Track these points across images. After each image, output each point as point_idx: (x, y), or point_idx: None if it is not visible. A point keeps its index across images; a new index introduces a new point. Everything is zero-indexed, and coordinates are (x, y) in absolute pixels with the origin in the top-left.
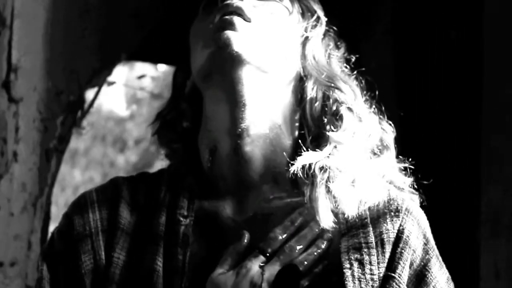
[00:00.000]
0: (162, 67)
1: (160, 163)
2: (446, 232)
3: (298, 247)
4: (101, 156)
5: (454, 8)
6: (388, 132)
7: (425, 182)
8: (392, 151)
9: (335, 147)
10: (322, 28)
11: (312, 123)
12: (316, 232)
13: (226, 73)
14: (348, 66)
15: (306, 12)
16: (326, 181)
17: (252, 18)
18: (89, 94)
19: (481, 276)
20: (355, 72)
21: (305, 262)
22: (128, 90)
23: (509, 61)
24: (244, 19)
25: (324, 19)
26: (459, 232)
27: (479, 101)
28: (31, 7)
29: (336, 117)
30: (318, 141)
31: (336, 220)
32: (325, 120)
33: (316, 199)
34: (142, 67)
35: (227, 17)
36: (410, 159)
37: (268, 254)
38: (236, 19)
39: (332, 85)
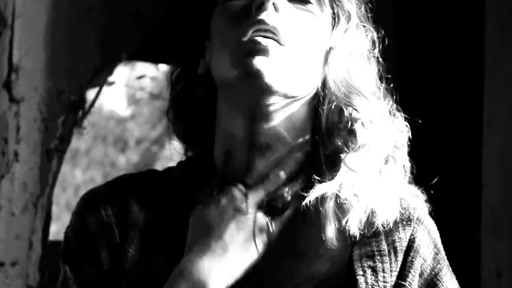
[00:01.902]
0: (163, 67)
1: (161, 163)
2: (446, 232)
3: (281, 173)
4: (102, 156)
5: (455, 8)
6: (403, 132)
7: (427, 184)
8: (404, 154)
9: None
10: (351, 31)
11: (327, 139)
12: (299, 160)
13: (252, 98)
14: (373, 56)
15: (341, 14)
16: (336, 204)
17: (287, 40)
18: (90, 94)
19: (482, 276)
20: (376, 66)
21: (289, 191)
22: (129, 90)
23: (509, 62)
24: (279, 43)
25: (355, 19)
26: (460, 232)
27: (480, 101)
28: (32, 7)
29: (350, 135)
30: (332, 159)
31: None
32: (340, 139)
33: (324, 216)
34: (143, 67)
35: (260, 39)
36: (411, 160)
37: (248, 184)
38: (270, 44)
39: (348, 103)
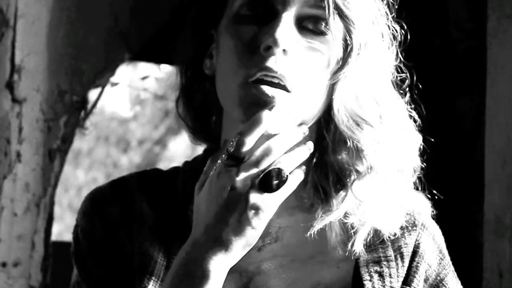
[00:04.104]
0: (166, 68)
1: (163, 164)
2: (448, 232)
3: (276, 147)
4: (104, 157)
5: (457, 9)
6: (414, 138)
7: (429, 185)
8: (412, 163)
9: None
10: (363, 56)
11: (333, 158)
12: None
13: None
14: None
15: (354, 41)
16: (341, 222)
17: (294, 86)
18: (93, 94)
19: (484, 276)
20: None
21: (288, 165)
22: (132, 91)
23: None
24: (285, 89)
25: (371, 39)
26: (462, 233)
27: (483, 102)
28: (34, 8)
29: (357, 159)
30: (338, 176)
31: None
32: (346, 161)
33: (329, 228)
34: (146, 68)
35: (267, 90)
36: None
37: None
38: (277, 94)
39: (352, 136)
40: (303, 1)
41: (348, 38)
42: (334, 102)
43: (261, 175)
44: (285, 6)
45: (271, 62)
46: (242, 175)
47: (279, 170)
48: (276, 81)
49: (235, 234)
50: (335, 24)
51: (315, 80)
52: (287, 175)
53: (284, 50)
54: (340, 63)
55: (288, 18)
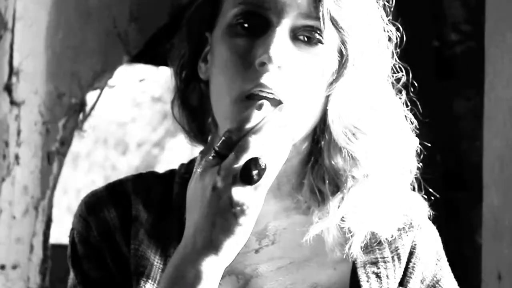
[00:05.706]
0: (164, 70)
1: (162, 166)
2: (447, 234)
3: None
4: (103, 159)
5: (455, 11)
6: (411, 143)
7: (428, 186)
8: (409, 165)
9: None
10: (358, 66)
11: (328, 161)
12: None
13: None
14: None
15: (349, 52)
16: (338, 225)
17: (288, 100)
18: (91, 97)
19: (483, 278)
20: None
21: (264, 152)
22: (130, 93)
23: (509, 64)
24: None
25: (366, 47)
26: (460, 235)
27: (481, 103)
28: (32, 10)
29: (352, 165)
30: (334, 179)
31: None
32: (342, 167)
33: (327, 231)
34: (144, 70)
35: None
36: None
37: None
38: (271, 109)
39: (346, 146)
40: (297, 13)
41: (343, 48)
42: (328, 113)
43: (240, 169)
44: (279, 18)
45: (265, 79)
46: (223, 173)
47: (256, 160)
48: (271, 96)
49: (224, 234)
50: (330, 35)
51: (310, 94)
52: (265, 164)
53: (279, 66)
54: (336, 75)
55: (282, 32)
